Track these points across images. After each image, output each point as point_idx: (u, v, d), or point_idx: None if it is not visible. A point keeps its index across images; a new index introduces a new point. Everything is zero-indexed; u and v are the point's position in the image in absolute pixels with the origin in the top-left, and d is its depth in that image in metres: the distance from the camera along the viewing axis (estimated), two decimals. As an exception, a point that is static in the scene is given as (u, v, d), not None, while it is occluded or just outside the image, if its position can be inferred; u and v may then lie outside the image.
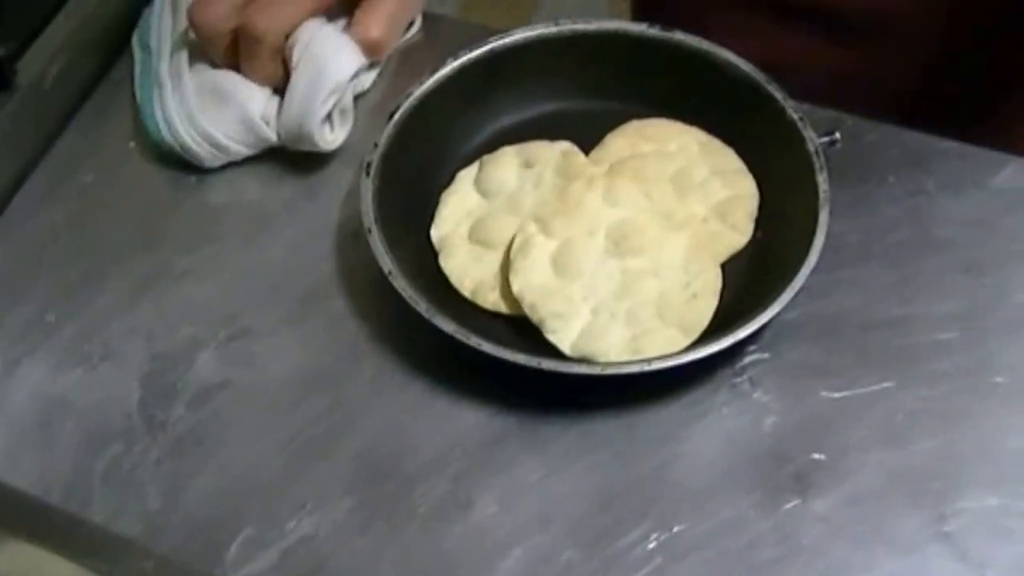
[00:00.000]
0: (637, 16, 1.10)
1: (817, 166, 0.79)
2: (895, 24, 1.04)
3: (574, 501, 0.73)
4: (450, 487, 0.74)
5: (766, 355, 0.78)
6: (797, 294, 0.75)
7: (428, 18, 0.94)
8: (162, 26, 0.89)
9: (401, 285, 0.75)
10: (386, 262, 0.75)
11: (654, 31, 0.86)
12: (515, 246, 0.80)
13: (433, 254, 0.81)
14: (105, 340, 0.79)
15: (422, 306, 0.74)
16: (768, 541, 0.72)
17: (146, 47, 0.88)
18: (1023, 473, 0.74)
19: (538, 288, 0.78)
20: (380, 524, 0.72)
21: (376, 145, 0.80)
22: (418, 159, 0.83)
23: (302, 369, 0.78)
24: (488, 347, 0.73)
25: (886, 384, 0.77)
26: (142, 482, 0.73)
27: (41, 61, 0.86)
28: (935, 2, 1.02)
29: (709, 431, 0.75)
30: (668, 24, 0.86)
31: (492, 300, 0.80)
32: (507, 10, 2.51)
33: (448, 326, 0.74)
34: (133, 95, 0.88)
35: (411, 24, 0.92)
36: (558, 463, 0.74)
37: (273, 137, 0.84)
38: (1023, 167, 0.86)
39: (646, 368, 0.73)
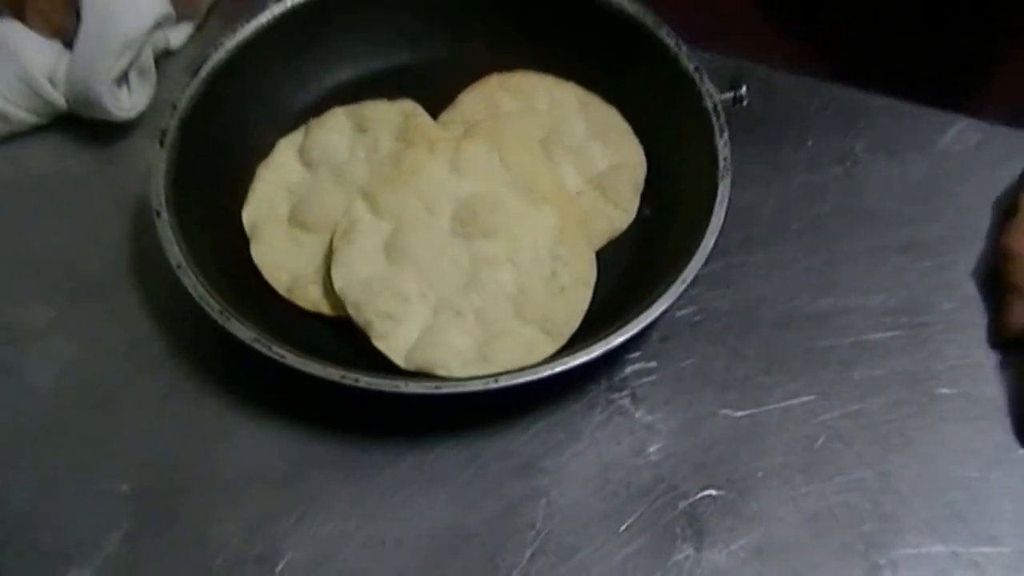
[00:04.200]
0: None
1: (716, 127, 0.61)
2: None
3: (405, 551, 0.54)
4: (249, 534, 0.54)
5: (652, 364, 0.59)
6: (690, 285, 0.56)
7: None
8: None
9: (192, 281, 0.56)
10: (175, 253, 0.57)
11: (520, -35, 0.65)
12: (339, 230, 0.59)
13: (245, 240, 0.62)
14: None
15: (215, 308, 0.55)
16: (653, 605, 0.51)
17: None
18: (976, 511, 0.55)
19: (364, 283, 0.58)
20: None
21: (174, 108, 0.61)
22: (229, 125, 0.64)
23: (77, 379, 0.59)
24: (293, 359, 0.54)
25: (805, 398, 0.58)
26: None
27: None
28: None
29: (578, 461, 0.56)
30: None
31: (312, 298, 0.60)
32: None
33: (245, 332, 0.54)
34: None
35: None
36: (386, 502, 0.55)
37: (61, 101, 0.67)
38: (971, 126, 0.66)
39: (492, 386, 0.53)
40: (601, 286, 0.59)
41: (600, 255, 0.60)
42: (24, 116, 0.66)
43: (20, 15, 0.65)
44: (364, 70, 0.68)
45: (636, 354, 0.58)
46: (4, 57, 0.64)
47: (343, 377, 0.52)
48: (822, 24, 0.82)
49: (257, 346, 0.53)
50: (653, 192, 0.63)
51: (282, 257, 0.60)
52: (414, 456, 0.56)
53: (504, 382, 0.53)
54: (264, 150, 0.64)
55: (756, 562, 0.52)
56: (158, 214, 0.57)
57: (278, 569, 0.53)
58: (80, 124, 0.67)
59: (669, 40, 0.63)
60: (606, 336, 0.53)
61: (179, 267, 0.55)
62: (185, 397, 0.58)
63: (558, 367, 0.53)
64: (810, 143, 0.66)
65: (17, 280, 0.62)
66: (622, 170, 0.63)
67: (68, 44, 0.66)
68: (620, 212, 0.62)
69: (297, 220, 0.61)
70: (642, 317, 0.54)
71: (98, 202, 0.65)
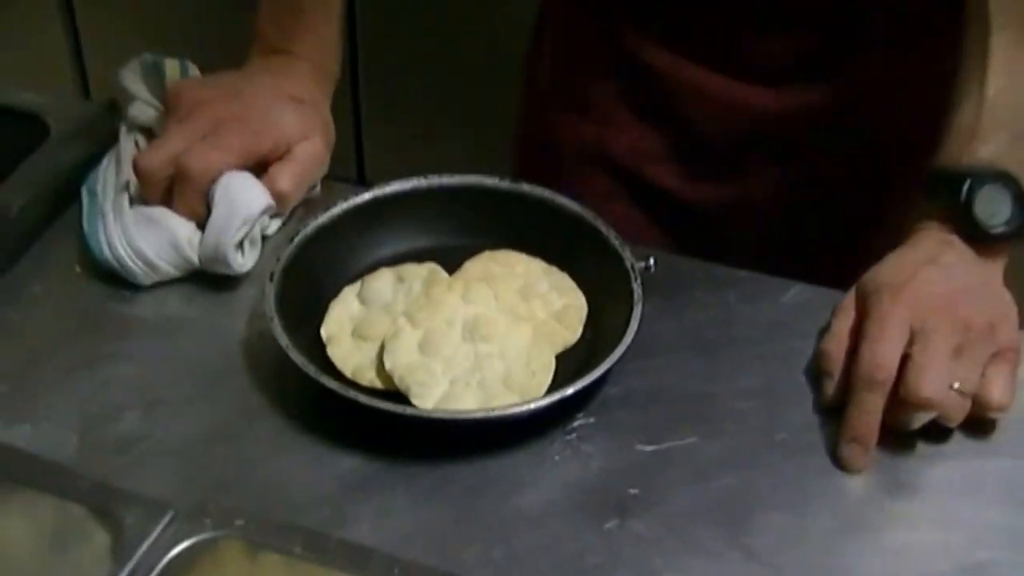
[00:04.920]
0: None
1: (633, 276, 0.91)
2: (732, 211, 1.18)
3: (433, 522, 0.80)
4: (328, 512, 0.80)
5: (592, 420, 0.87)
6: (616, 364, 0.86)
7: (328, 185, 1.06)
8: (107, 177, 1.00)
9: (296, 356, 0.84)
10: (284, 340, 0.85)
11: (505, 183, 0.98)
12: (388, 335, 0.88)
13: (322, 347, 0.90)
14: (47, 403, 0.87)
15: (311, 368, 0.83)
16: (595, 551, 0.79)
17: (93, 193, 1.00)
18: (805, 498, 0.83)
19: (406, 365, 0.87)
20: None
21: (278, 260, 0.92)
22: (312, 275, 0.92)
23: (211, 427, 0.86)
24: (363, 398, 0.82)
25: (691, 439, 0.86)
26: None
27: (7, 198, 0.99)
28: (772, 199, 1.17)
29: (546, 473, 0.84)
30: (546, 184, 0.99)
31: (369, 378, 0.88)
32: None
33: (331, 383, 0.83)
34: (79, 231, 0.96)
35: (314, 187, 1.01)
36: (420, 495, 0.82)
37: (196, 259, 0.93)
38: (805, 288, 0.98)
39: (490, 415, 0.83)
40: (559, 374, 0.88)
41: (558, 357, 0.89)
42: (169, 270, 0.95)
43: (169, 204, 0.96)
44: (400, 248, 0.97)
45: (581, 413, 0.86)
46: (160, 229, 0.93)
47: (395, 408, 0.81)
48: (700, 235, 1.17)
49: (339, 391, 0.82)
50: (592, 321, 0.92)
51: (348, 355, 0.89)
52: (439, 470, 0.82)
53: (498, 413, 0.82)
54: (335, 294, 0.91)
55: (662, 528, 0.79)
56: (271, 319, 0.86)
57: (348, 526, 0.78)
58: (204, 277, 0.95)
59: (602, 227, 0.94)
60: (559, 392, 0.83)
61: (288, 347, 0.85)
62: (284, 439, 0.84)
63: (533, 405, 0.82)
64: (697, 295, 0.96)
65: (160, 374, 0.89)
66: (571, 309, 0.93)
67: (199, 224, 0.95)
68: (571, 333, 0.91)
69: (358, 334, 0.90)
70: (584, 379, 0.83)
71: (217, 325, 0.93)
